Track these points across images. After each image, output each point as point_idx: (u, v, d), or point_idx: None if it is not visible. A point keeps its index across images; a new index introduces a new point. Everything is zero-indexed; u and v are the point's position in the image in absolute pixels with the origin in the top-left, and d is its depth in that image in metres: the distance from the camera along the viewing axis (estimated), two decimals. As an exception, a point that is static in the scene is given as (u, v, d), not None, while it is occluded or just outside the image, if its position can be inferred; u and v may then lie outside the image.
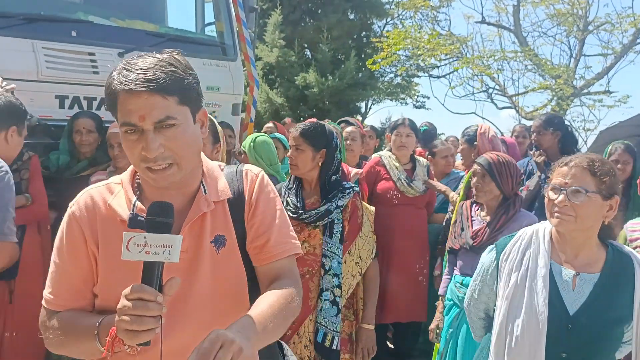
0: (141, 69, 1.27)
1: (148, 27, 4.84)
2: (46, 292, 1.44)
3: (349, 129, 4.62)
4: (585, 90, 14.20)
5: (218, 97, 5.08)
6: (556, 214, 1.92)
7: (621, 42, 13.81)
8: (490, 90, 15.72)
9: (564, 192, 1.90)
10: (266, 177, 1.55)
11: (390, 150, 4.38)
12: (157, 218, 1.21)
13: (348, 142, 4.51)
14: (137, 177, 1.46)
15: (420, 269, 4.23)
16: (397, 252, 4.16)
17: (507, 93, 15.53)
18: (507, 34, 15.62)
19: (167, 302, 1.20)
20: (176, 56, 1.35)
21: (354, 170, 4.05)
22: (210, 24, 5.59)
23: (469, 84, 15.34)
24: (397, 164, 4.28)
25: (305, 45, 14.17)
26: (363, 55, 14.10)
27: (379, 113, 73.24)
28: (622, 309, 1.91)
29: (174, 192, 1.39)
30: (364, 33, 15.05)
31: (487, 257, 2.16)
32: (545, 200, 1.99)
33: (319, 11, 14.14)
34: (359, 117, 14.67)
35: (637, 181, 2.92)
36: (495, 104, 16.23)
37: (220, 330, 1.13)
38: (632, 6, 13.66)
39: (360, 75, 13.35)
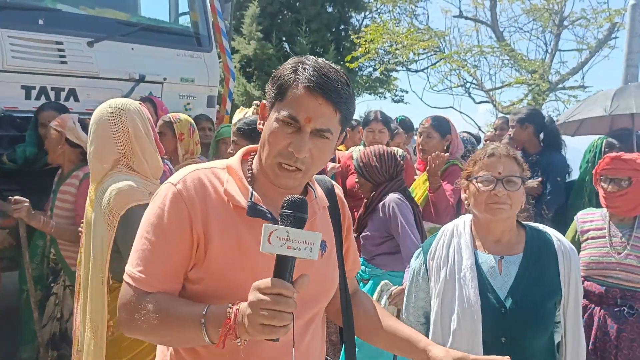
0: (326, 75, 1.31)
1: (119, 16, 4.73)
2: (134, 270, 1.34)
3: None
4: (561, 85, 14.36)
5: (192, 89, 4.99)
6: (494, 205, 1.95)
7: (596, 37, 13.98)
8: (467, 85, 15.82)
9: (500, 182, 1.94)
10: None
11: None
12: (298, 213, 1.20)
13: None
14: (248, 166, 1.45)
15: None
16: None
17: (484, 88, 15.63)
18: (484, 29, 15.70)
19: None
20: (347, 76, 1.38)
21: (330, 165, 4.04)
22: (184, 13, 5.49)
23: (447, 79, 15.41)
24: None
25: (284, 38, 14.08)
26: (342, 49, 14.07)
27: (358, 107, 73.34)
28: (549, 283, 1.97)
29: (285, 191, 1.36)
30: (342, 26, 15.01)
31: (415, 261, 2.17)
32: (473, 192, 2.01)
33: (297, 4, 14.05)
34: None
35: (593, 171, 2.95)
36: (473, 99, 16.34)
37: None
38: (607, 1, 13.75)
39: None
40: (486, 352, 1.91)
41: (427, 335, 2.06)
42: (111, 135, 2.25)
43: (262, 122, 1.41)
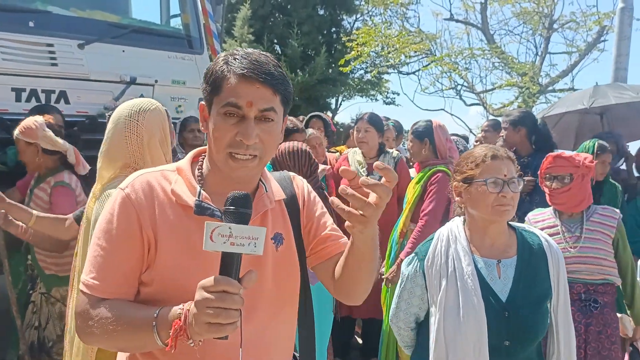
0: (257, 61, 1.32)
1: (110, 18, 4.70)
2: (88, 278, 1.34)
3: (313, 135, 4.52)
4: (551, 88, 14.45)
5: (184, 91, 4.98)
6: (501, 207, 1.96)
7: (585, 40, 14.09)
8: (458, 87, 15.89)
9: (506, 184, 1.96)
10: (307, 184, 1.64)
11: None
12: (241, 209, 1.19)
13: (316, 148, 4.45)
14: (197, 167, 1.45)
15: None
16: None
17: (475, 90, 15.71)
18: (475, 32, 15.80)
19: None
20: (276, 58, 1.39)
21: (321, 167, 4.06)
22: (175, 15, 5.48)
23: (438, 81, 15.47)
24: (359, 159, 4.31)
25: (275, 41, 14.07)
26: (333, 51, 14.08)
27: (350, 109, 73.51)
28: (542, 283, 2.01)
29: (238, 187, 1.34)
30: (334, 29, 15.03)
31: (408, 267, 2.15)
32: (477, 195, 2.00)
33: (289, 6, 14.05)
34: (329, 114, 14.65)
35: (538, 172, 3.06)
36: (464, 101, 16.43)
37: None
38: (597, 5, 13.93)
39: (330, 71, 13.32)
40: (491, 356, 1.92)
41: (426, 342, 2.07)
42: (124, 140, 2.20)
43: (204, 123, 1.40)
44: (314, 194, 1.61)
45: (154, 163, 2.21)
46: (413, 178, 4.00)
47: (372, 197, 1.19)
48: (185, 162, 1.46)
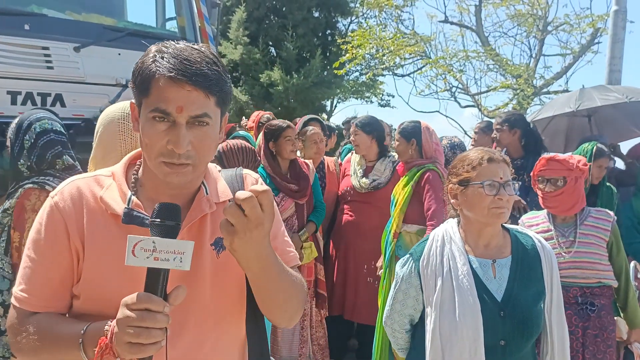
0: (188, 60, 1.19)
1: (106, 21, 4.71)
2: (17, 290, 1.28)
3: (314, 130, 4.58)
4: (545, 90, 14.48)
5: (179, 94, 4.96)
6: (497, 210, 1.97)
7: (579, 42, 14.15)
8: (453, 89, 15.91)
9: (502, 186, 1.98)
10: (262, 180, 1.50)
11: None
12: (167, 221, 1.12)
13: (318, 144, 4.49)
14: (133, 171, 1.36)
15: (370, 270, 4.17)
16: (348, 249, 4.20)
17: (469, 92, 15.73)
18: (469, 34, 15.82)
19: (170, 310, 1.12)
20: (215, 54, 1.27)
21: (310, 166, 4.11)
22: (171, 19, 5.49)
23: (433, 84, 15.50)
24: (358, 159, 4.34)
25: (270, 43, 14.07)
26: (328, 54, 14.09)
27: (345, 111, 73.50)
28: (537, 283, 2.03)
29: (174, 190, 1.30)
30: (329, 31, 15.04)
31: (403, 268, 2.15)
32: (473, 197, 2.01)
33: (284, 9, 14.06)
34: (325, 116, 14.67)
35: (531, 173, 3.07)
36: (459, 103, 16.43)
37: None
38: (590, 7, 13.97)
39: (325, 73, 13.33)
40: (487, 356, 1.93)
41: (420, 344, 2.06)
42: (118, 142, 2.12)
43: (135, 124, 1.30)
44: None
45: None
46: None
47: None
48: (119, 165, 1.37)
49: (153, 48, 1.24)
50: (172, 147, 1.20)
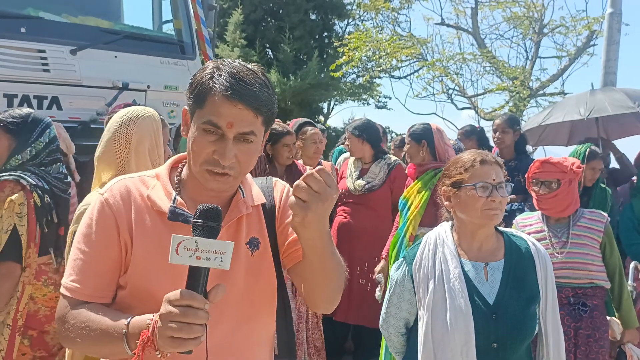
0: (243, 80, 1.30)
1: (102, 24, 4.72)
2: (68, 281, 1.36)
3: (314, 130, 4.57)
4: (541, 92, 14.53)
5: (176, 97, 4.98)
6: (490, 211, 1.98)
7: (575, 44, 14.20)
8: (450, 92, 15.95)
9: (495, 188, 1.98)
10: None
11: None
12: (209, 222, 1.18)
13: (317, 144, 4.48)
14: (176, 173, 1.46)
15: (364, 272, 4.16)
16: (342, 251, 4.17)
17: (466, 94, 15.77)
18: (465, 36, 15.87)
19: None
20: (266, 75, 1.38)
21: (308, 169, 4.10)
22: (167, 21, 5.50)
23: (430, 86, 15.53)
24: (354, 162, 4.37)
25: (267, 45, 14.08)
26: (325, 56, 14.10)
27: (342, 113, 73.66)
28: (530, 286, 2.03)
29: (214, 194, 1.39)
30: (325, 33, 15.05)
31: (397, 272, 2.16)
32: (466, 199, 2.02)
33: (281, 11, 14.07)
34: (322, 118, 14.68)
35: (526, 175, 3.08)
36: (455, 105, 16.47)
37: None
38: (586, 9, 14.06)
39: (322, 75, 13.33)
40: (480, 359, 1.94)
41: (414, 345, 2.07)
42: (113, 143, 2.26)
43: (185, 128, 1.41)
44: (285, 195, 1.59)
45: (138, 168, 2.25)
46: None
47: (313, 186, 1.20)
48: (164, 168, 1.48)
49: (211, 64, 1.36)
50: (218, 157, 1.31)
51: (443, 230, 2.13)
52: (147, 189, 1.41)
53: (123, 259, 1.37)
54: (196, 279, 1.16)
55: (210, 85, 1.30)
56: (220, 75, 1.30)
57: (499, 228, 2.14)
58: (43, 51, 4.13)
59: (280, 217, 1.53)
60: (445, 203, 2.12)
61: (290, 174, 4.02)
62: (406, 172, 4.14)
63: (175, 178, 1.45)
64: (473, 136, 5.29)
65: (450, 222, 2.16)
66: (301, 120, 5.06)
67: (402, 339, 2.22)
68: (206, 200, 1.26)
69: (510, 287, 2.00)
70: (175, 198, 1.38)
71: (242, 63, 1.36)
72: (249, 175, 1.53)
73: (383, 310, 2.23)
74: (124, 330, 1.24)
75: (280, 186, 1.58)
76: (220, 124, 1.29)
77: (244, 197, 1.45)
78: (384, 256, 3.93)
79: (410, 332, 2.19)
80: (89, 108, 4.35)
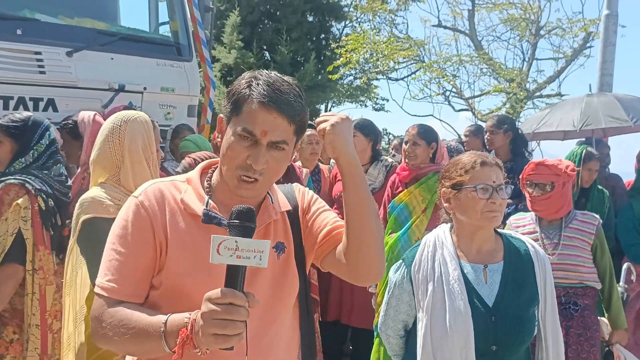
0: (279, 90, 1.37)
1: (98, 26, 4.71)
2: (104, 281, 1.39)
3: (310, 132, 4.56)
4: (538, 93, 14.58)
5: (173, 99, 4.98)
6: (490, 214, 1.98)
7: (572, 46, 14.24)
8: (447, 93, 15.98)
9: (495, 190, 1.98)
10: (312, 192, 1.69)
11: None
12: (246, 223, 1.22)
13: (313, 145, 4.46)
14: (207, 178, 1.51)
15: None
16: None
17: (463, 96, 15.80)
18: (462, 38, 15.91)
19: None
20: (299, 87, 1.45)
21: (305, 170, 4.09)
22: (164, 23, 5.50)
23: (427, 87, 15.56)
24: None
25: (264, 47, 14.09)
26: (322, 58, 14.11)
27: (339, 115, 73.59)
28: (529, 289, 2.02)
29: (244, 199, 1.41)
30: (322, 35, 15.07)
31: (396, 274, 2.15)
32: (466, 201, 2.01)
33: (278, 13, 14.08)
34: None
35: (520, 176, 3.10)
36: (453, 107, 16.51)
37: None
38: (582, 11, 14.04)
39: (319, 77, 13.35)
40: None
41: (413, 347, 2.07)
42: (108, 145, 2.32)
43: (219, 135, 1.46)
44: (314, 197, 1.65)
45: (132, 166, 2.32)
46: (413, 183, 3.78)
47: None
48: (195, 173, 1.52)
49: (248, 74, 1.43)
50: (252, 162, 1.36)
51: (442, 232, 2.13)
52: (179, 193, 1.45)
53: (157, 260, 1.41)
54: (235, 277, 1.19)
55: (248, 93, 1.37)
56: (258, 84, 1.37)
57: (498, 230, 2.14)
58: (39, 53, 4.12)
59: (304, 222, 1.58)
60: (445, 205, 2.11)
61: (286, 172, 4.01)
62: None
63: (206, 182, 1.49)
64: (480, 134, 5.29)
65: (449, 224, 2.16)
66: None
67: (400, 341, 2.21)
68: (236, 204, 1.29)
69: (509, 289, 1.99)
70: (208, 201, 1.43)
71: (278, 74, 1.42)
72: (275, 184, 1.57)
73: (381, 313, 2.22)
74: (161, 329, 1.26)
75: (302, 191, 1.65)
76: (255, 131, 1.35)
77: (272, 202, 1.51)
78: None
79: (409, 335, 2.18)
80: (85, 110, 4.33)
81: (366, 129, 4.26)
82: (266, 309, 1.45)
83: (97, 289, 1.40)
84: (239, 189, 1.40)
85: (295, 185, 1.67)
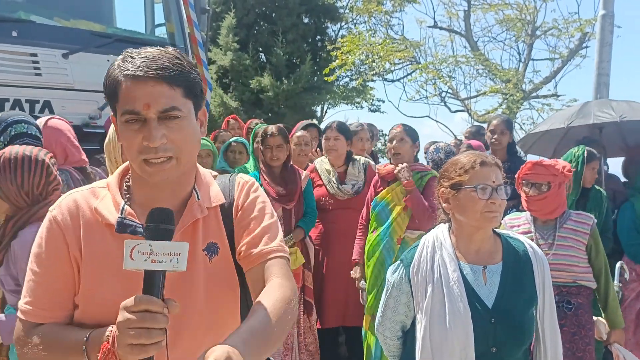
0: (147, 57, 1.24)
1: (94, 28, 4.70)
2: (22, 303, 1.33)
3: (300, 133, 4.57)
4: (534, 94, 14.60)
5: (169, 100, 4.94)
6: (490, 214, 1.96)
7: (568, 46, 14.27)
8: (443, 94, 15.99)
9: (495, 190, 1.96)
10: (257, 183, 1.50)
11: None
12: (162, 225, 1.15)
13: (302, 147, 4.47)
14: (125, 180, 1.39)
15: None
16: (333, 257, 4.17)
17: (459, 97, 15.82)
18: (458, 39, 15.93)
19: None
20: (179, 51, 1.32)
21: (304, 173, 4.08)
22: (160, 25, 5.48)
23: (423, 89, 15.57)
24: (328, 167, 4.27)
25: (260, 49, 14.08)
26: (318, 59, 14.11)
27: (335, 117, 73.69)
28: (528, 289, 2.02)
29: (165, 196, 1.33)
30: (318, 37, 15.07)
31: (394, 275, 2.14)
32: (465, 201, 2.00)
33: (273, 15, 14.08)
34: (315, 122, 14.67)
35: (516, 176, 3.10)
36: (449, 108, 16.51)
37: (217, 349, 1.05)
38: (578, 12, 14.12)
39: (315, 79, 13.34)
40: None
41: (412, 351, 2.05)
42: (109, 146, 2.30)
43: (118, 134, 1.33)
44: (253, 197, 1.44)
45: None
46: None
47: None
48: (114, 176, 1.41)
49: (118, 57, 1.29)
50: (147, 142, 1.23)
51: (441, 233, 2.11)
52: (96, 200, 1.35)
53: (76, 277, 1.32)
54: (152, 283, 1.13)
55: (117, 73, 1.25)
56: (126, 61, 1.25)
57: (496, 230, 2.13)
58: (35, 55, 4.11)
59: (237, 216, 1.41)
60: (444, 205, 2.09)
61: (285, 173, 4.01)
62: (376, 171, 4.05)
63: (125, 185, 1.38)
64: (480, 135, 5.30)
65: (447, 224, 2.14)
66: (303, 123, 5.05)
67: (398, 343, 2.20)
68: (157, 205, 1.22)
69: (508, 290, 1.99)
70: (123, 208, 1.31)
71: (152, 48, 1.30)
72: (208, 175, 1.45)
73: (379, 314, 2.20)
74: (83, 347, 1.21)
75: (241, 182, 1.46)
76: (136, 108, 1.22)
77: (198, 199, 1.37)
78: (357, 260, 3.90)
79: (406, 336, 2.17)
80: (81, 112, 4.33)
81: (347, 132, 4.34)
82: (203, 317, 1.35)
83: (18, 312, 1.34)
84: (152, 175, 1.26)
85: (240, 176, 1.49)
